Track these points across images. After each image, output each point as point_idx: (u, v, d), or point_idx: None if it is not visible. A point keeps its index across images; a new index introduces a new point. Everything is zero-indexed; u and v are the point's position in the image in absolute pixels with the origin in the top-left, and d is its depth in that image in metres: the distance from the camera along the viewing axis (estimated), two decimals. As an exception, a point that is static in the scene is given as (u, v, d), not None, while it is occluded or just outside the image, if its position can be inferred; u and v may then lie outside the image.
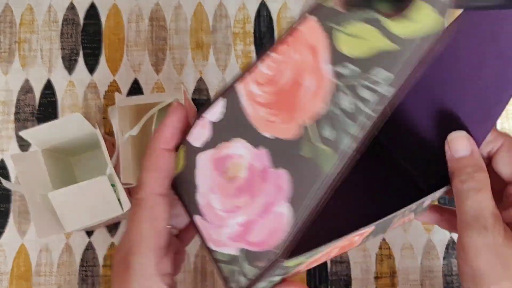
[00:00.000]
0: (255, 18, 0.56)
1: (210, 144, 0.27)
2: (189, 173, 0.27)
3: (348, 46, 0.21)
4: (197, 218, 0.27)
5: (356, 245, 0.32)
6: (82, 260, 0.51)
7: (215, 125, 0.27)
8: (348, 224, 0.27)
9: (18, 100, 0.54)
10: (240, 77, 0.26)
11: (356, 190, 0.33)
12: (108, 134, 0.53)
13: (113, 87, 0.54)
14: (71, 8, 0.56)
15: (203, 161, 0.27)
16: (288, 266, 0.25)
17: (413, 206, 0.30)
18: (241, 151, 0.25)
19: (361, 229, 0.27)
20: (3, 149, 0.53)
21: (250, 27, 0.56)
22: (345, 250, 0.31)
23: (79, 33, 0.56)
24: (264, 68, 0.24)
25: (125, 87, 0.54)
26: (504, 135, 0.33)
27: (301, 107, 0.22)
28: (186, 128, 0.28)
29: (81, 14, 0.56)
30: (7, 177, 0.52)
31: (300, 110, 0.22)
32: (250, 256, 0.25)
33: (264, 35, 0.56)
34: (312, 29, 0.22)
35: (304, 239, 0.24)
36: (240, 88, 0.26)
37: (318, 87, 0.22)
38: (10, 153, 0.52)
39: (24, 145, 0.53)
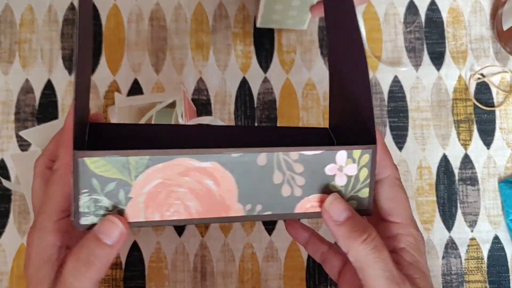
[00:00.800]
0: (255, 18, 0.56)
1: None
2: None
3: None
4: None
5: (234, 212, 0.29)
6: (82, 260, 0.51)
7: None
8: None
9: (18, 100, 0.54)
10: None
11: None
12: (108, 134, 0.53)
13: (113, 87, 0.54)
14: (71, 8, 0.56)
15: None
16: (92, 169, 0.25)
17: (297, 156, 0.28)
18: None
19: (196, 155, 0.26)
20: (3, 149, 0.53)
21: (250, 27, 0.56)
22: (217, 214, 0.28)
23: (79, 33, 0.56)
24: None
25: (125, 87, 0.54)
26: (392, 168, 0.31)
27: None
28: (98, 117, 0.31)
29: (81, 14, 0.56)
30: (7, 177, 0.52)
31: None
32: None
33: (264, 35, 0.56)
34: None
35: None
36: None
37: None
38: (10, 153, 0.53)
39: (24, 145, 0.53)
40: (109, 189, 0.26)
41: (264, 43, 0.55)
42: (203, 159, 0.27)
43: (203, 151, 0.27)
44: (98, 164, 0.25)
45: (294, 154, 0.28)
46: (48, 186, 0.29)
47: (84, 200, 0.26)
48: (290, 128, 0.38)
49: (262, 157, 0.27)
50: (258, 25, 0.54)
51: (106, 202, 0.26)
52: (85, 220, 0.27)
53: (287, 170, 0.28)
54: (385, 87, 0.55)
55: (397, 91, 0.54)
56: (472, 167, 0.53)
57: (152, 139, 0.31)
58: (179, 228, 0.51)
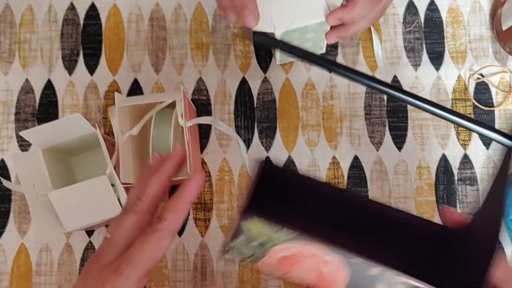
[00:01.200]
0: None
1: None
2: None
3: None
4: None
5: None
6: (82, 259, 0.51)
7: None
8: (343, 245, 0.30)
9: (18, 100, 0.54)
10: None
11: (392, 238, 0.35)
12: (108, 134, 0.53)
13: (113, 87, 0.55)
14: (71, 8, 0.56)
15: None
16: (247, 229, 0.29)
17: (406, 280, 0.30)
18: None
19: (326, 248, 0.29)
20: (3, 149, 0.53)
21: (250, 28, 0.56)
22: None
23: (79, 33, 0.56)
24: None
25: (125, 87, 0.55)
26: None
27: None
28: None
29: (81, 14, 0.56)
30: (7, 177, 0.53)
31: None
32: None
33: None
34: None
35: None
36: None
37: None
38: (10, 153, 0.53)
39: (24, 145, 0.53)
40: (252, 244, 0.30)
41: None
42: (332, 252, 0.30)
43: (336, 247, 0.30)
44: (250, 224, 0.29)
45: (401, 278, 0.31)
46: (146, 242, 0.31)
47: (230, 244, 0.30)
48: (414, 218, 0.38)
49: (376, 269, 0.31)
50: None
51: (245, 252, 0.31)
52: (227, 256, 0.32)
53: (388, 286, 0.31)
54: (385, 87, 0.55)
55: (396, 91, 0.55)
56: (471, 167, 0.53)
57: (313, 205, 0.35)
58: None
